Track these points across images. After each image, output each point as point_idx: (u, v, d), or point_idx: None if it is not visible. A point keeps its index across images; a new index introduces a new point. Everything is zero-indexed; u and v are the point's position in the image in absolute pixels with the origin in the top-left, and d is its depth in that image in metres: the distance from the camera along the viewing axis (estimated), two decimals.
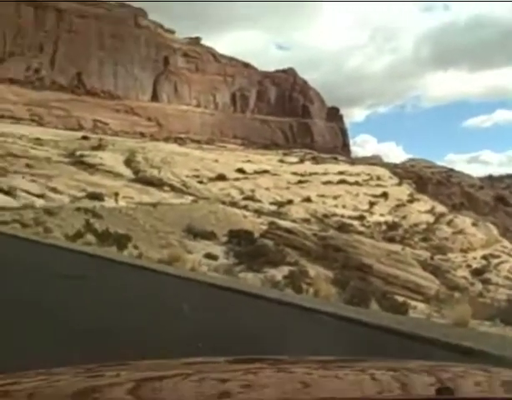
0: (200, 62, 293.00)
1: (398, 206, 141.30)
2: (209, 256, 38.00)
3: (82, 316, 7.76)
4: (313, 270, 34.27)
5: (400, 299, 28.43)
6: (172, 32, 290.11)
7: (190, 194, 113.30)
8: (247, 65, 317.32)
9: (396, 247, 73.52)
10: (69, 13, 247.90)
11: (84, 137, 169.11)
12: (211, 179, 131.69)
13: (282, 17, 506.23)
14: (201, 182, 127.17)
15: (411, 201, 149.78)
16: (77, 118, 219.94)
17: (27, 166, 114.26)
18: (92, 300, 9.01)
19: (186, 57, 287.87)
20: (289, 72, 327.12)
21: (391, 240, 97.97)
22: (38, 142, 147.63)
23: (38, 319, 7.15)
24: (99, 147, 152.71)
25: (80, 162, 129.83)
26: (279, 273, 28.84)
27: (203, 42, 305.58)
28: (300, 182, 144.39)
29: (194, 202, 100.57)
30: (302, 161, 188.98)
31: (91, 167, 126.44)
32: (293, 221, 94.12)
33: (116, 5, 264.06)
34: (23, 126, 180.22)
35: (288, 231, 53.91)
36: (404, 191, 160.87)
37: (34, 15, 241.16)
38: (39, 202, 73.86)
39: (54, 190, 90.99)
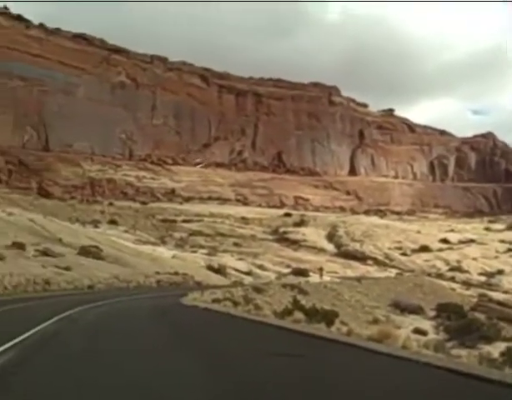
0: (395, 133, 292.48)
1: None
2: (418, 331, 37.04)
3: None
4: None
5: None
6: (365, 105, 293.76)
7: (394, 267, 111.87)
8: (443, 132, 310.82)
9: None
10: (267, 97, 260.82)
11: (286, 214, 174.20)
12: (414, 251, 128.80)
13: (476, 82, 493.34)
14: (404, 254, 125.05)
15: None
16: (279, 196, 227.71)
17: (235, 244, 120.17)
18: (318, 379, 9.27)
19: (380, 129, 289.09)
20: (488, 137, 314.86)
21: None
22: (244, 220, 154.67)
23: None
24: (301, 222, 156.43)
25: (284, 239, 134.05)
26: (495, 350, 27.22)
27: (396, 112, 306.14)
28: (510, 250, 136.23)
29: (399, 274, 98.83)
30: (510, 228, 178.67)
31: (294, 243, 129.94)
32: (506, 292, 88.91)
33: (310, 85, 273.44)
34: (230, 206, 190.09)
35: (501, 303, 51.05)
36: None
37: (235, 101, 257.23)
38: (247, 279, 77.03)
39: (261, 267, 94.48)
